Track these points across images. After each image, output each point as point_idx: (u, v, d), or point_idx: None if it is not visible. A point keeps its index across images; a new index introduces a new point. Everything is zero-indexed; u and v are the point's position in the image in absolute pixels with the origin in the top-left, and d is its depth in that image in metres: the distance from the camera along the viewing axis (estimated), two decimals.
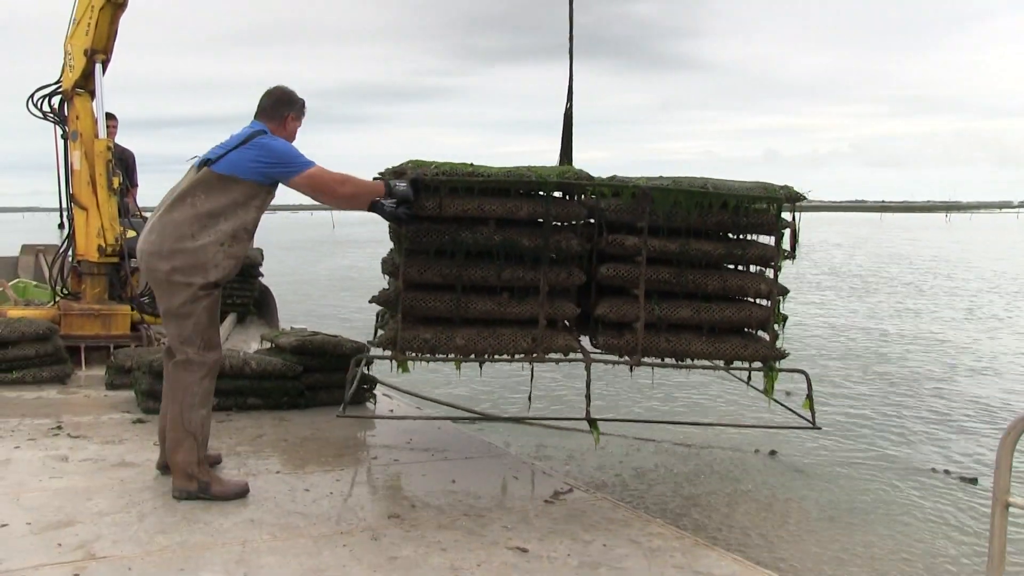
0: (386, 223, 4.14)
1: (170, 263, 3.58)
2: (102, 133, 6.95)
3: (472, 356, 4.08)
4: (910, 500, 5.69)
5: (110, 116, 7.41)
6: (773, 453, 6.49)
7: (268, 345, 5.99)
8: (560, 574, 3.12)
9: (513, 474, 4.41)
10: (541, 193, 4.10)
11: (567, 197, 4.19)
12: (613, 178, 4.21)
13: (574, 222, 4.15)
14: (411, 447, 4.78)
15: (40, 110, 7.06)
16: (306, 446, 4.68)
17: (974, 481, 6.04)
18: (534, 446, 6.43)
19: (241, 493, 3.73)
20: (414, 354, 4.09)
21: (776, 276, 4.33)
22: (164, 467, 3.92)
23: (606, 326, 4.25)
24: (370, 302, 4.54)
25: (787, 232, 4.29)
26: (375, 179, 4.12)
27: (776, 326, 4.29)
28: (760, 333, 4.36)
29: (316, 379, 5.58)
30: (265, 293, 9.46)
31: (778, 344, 4.32)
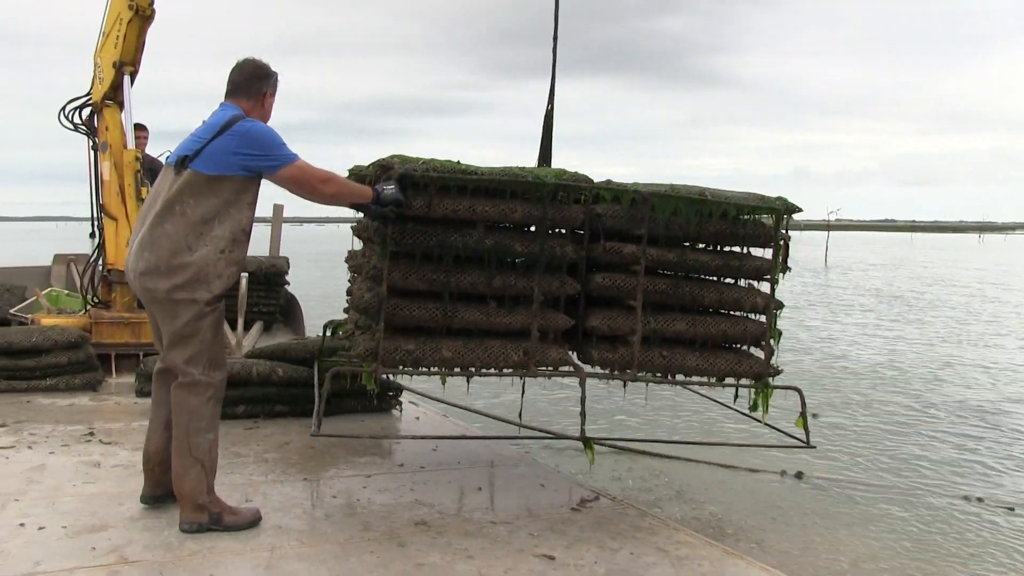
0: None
1: (170, 280, 3.30)
2: (131, 144, 7.05)
3: (458, 369, 3.77)
4: (948, 526, 5.60)
5: (141, 127, 7.52)
6: (800, 475, 6.40)
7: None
8: None
9: (539, 482, 4.40)
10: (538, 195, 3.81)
11: (561, 200, 3.92)
12: (608, 182, 3.99)
13: (572, 228, 3.92)
14: (437, 454, 4.79)
15: (71, 122, 7.19)
16: (332, 452, 4.71)
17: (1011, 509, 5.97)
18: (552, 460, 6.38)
19: (255, 522, 3.50)
20: (397, 368, 3.75)
21: (773, 290, 4.13)
22: (151, 498, 3.63)
23: (599, 339, 3.99)
24: (345, 311, 4.44)
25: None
26: (349, 174, 3.97)
27: (771, 341, 4.10)
28: (754, 349, 4.17)
29: (342, 386, 5.61)
30: (291, 302, 9.54)
31: (773, 360, 4.11)
